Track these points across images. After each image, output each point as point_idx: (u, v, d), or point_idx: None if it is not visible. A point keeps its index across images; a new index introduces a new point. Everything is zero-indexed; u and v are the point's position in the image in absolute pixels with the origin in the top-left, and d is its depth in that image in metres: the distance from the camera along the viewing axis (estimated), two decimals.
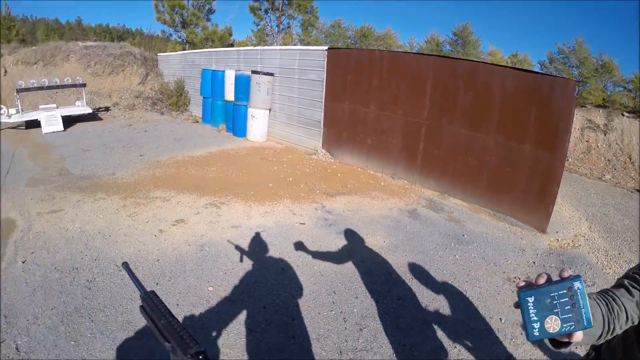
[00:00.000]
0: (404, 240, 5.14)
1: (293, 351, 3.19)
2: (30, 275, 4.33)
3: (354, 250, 4.86)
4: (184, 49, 18.79)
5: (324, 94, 9.12)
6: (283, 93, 10.42)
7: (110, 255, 4.71)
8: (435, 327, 3.48)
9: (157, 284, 4.13)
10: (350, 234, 5.27)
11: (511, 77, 6.27)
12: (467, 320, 3.59)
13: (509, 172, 6.30)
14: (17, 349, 3.35)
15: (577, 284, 0.93)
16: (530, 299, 0.97)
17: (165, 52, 19.53)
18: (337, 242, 5.06)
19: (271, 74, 10.46)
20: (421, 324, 3.51)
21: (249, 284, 4.11)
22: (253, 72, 10.64)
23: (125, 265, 1.29)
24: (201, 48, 16.71)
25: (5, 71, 15.28)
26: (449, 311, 3.72)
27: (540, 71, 14.32)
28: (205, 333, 3.41)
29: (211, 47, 17.75)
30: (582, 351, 3.11)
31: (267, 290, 3.99)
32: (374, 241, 5.09)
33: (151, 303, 1.09)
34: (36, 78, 14.13)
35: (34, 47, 17.30)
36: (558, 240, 5.71)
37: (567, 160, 10.74)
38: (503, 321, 3.60)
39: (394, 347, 3.24)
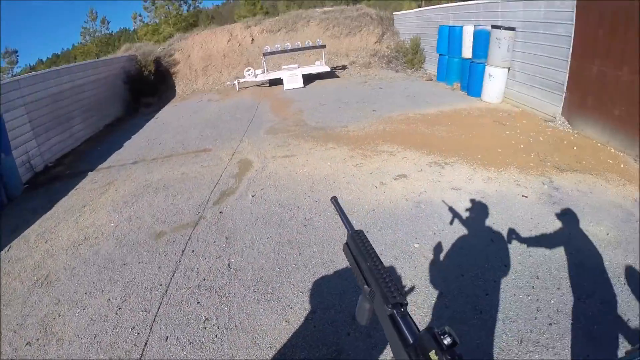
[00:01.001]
0: (629, 238, 4.56)
1: (474, 326, 3.30)
2: (256, 207, 5.38)
3: (572, 236, 4.61)
4: (419, 7, 18.95)
5: (570, 51, 8.29)
6: (525, 50, 9.83)
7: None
8: (629, 346, 3.09)
9: (367, 232, 4.32)
10: (572, 218, 4.97)
11: None
12: None
13: None
14: (228, 265, 4.38)
15: None
16: None
17: (400, 10, 20.09)
18: (556, 224, 4.87)
19: (513, 28, 9.98)
20: (614, 340, 3.17)
21: (454, 249, 4.33)
22: (493, 26, 10.33)
23: (334, 200, 1.30)
24: (438, 4, 16.52)
25: (252, 39, 17.83)
26: None
27: None
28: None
29: (448, 1, 17.38)
30: None
31: (471, 259, 4.15)
32: (596, 231, 4.70)
33: (358, 242, 1.06)
34: (280, 43, 16.36)
35: (276, 17, 20.09)
36: None
37: None
38: None
39: (575, 354, 3.03)
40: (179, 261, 4.63)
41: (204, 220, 5.33)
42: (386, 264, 4.03)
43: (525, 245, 4.42)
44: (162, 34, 25.14)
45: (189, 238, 5.01)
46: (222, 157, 7.44)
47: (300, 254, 4.43)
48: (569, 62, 8.38)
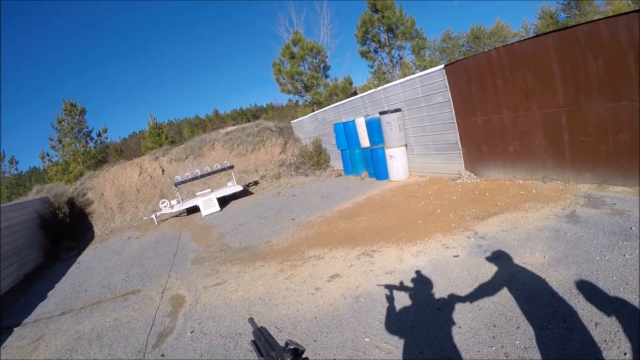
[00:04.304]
0: (565, 252, 4.61)
1: None
2: (197, 343, 4.87)
3: (513, 274, 4.50)
4: (312, 111, 19.96)
5: (453, 113, 8.89)
6: (414, 125, 10.39)
7: (271, 318, 5.03)
8: (608, 347, 3.01)
9: (315, 341, 4.29)
10: (507, 257, 4.91)
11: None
12: None
13: None
14: None
15: None
16: None
17: (296, 118, 21.06)
18: (494, 269, 4.75)
19: (399, 110, 10.57)
20: (591, 347, 3.07)
21: (405, 329, 4.05)
22: (381, 113, 10.86)
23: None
24: (328, 104, 17.56)
25: (163, 170, 17.81)
26: (622, 326, 3.18)
27: None
28: None
29: (336, 100, 18.55)
30: None
31: (424, 333, 3.89)
32: (533, 259, 4.67)
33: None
34: (189, 170, 16.54)
35: (182, 145, 20.17)
36: None
37: None
38: None
39: None
40: None
41: None
42: None
43: (473, 302, 4.24)
44: (72, 172, 24.20)
45: None
46: (152, 296, 6.88)
47: None
48: (456, 122, 8.89)
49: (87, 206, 16.35)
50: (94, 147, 26.86)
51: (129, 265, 9.05)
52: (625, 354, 2.89)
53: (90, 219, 15.94)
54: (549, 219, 5.64)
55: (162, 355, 4.86)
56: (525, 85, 7.07)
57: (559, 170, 6.94)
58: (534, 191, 6.88)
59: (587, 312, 3.49)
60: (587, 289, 3.81)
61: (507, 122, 7.66)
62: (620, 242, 4.46)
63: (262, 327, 1.26)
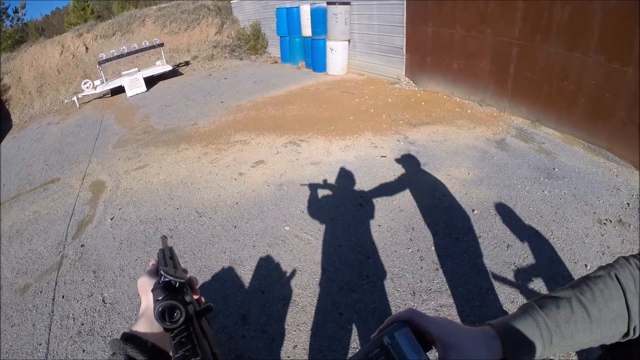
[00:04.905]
0: (489, 173, 4.74)
1: (365, 291, 3.10)
2: (117, 230, 4.66)
3: (436, 183, 4.58)
4: None
5: (405, 17, 8.50)
6: (362, 22, 9.91)
7: (192, 202, 4.90)
8: (516, 269, 3.18)
9: (235, 227, 4.23)
10: (433, 166, 4.99)
11: None
12: (549, 264, 3.22)
13: (608, 98, 5.30)
14: (103, 301, 3.60)
15: (386, 339, 0.66)
16: None
17: None
18: (419, 175, 4.82)
19: (348, 3, 9.96)
20: (501, 266, 3.23)
21: (326, 222, 4.07)
22: (328, 3, 10.20)
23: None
24: None
25: (87, 48, 16.12)
26: (532, 253, 3.36)
27: None
28: (279, 274, 3.41)
29: None
30: None
31: (344, 228, 3.93)
32: (458, 174, 4.77)
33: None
34: (116, 48, 14.92)
35: (109, 20, 18.18)
36: None
37: None
38: (588, 268, 3.16)
39: (469, 289, 3.01)
40: (52, 312, 3.75)
41: (67, 259, 4.45)
42: (261, 253, 3.73)
43: (395, 202, 4.30)
44: None
45: (56, 283, 4.10)
46: (72, 184, 6.41)
47: None
48: (405, 27, 8.58)
49: (4, 93, 14.26)
50: (11, 26, 23.11)
51: (48, 153, 8.27)
52: (530, 279, 3.06)
53: (7, 106, 14.10)
54: (479, 140, 5.75)
55: (82, 245, 4.60)
56: (485, 8, 6.80)
57: (497, 97, 6.99)
58: (469, 111, 6.97)
59: (501, 232, 3.65)
60: (505, 212, 3.97)
61: (457, 38, 7.46)
62: (542, 178, 4.61)
63: (171, 247, 1.08)
